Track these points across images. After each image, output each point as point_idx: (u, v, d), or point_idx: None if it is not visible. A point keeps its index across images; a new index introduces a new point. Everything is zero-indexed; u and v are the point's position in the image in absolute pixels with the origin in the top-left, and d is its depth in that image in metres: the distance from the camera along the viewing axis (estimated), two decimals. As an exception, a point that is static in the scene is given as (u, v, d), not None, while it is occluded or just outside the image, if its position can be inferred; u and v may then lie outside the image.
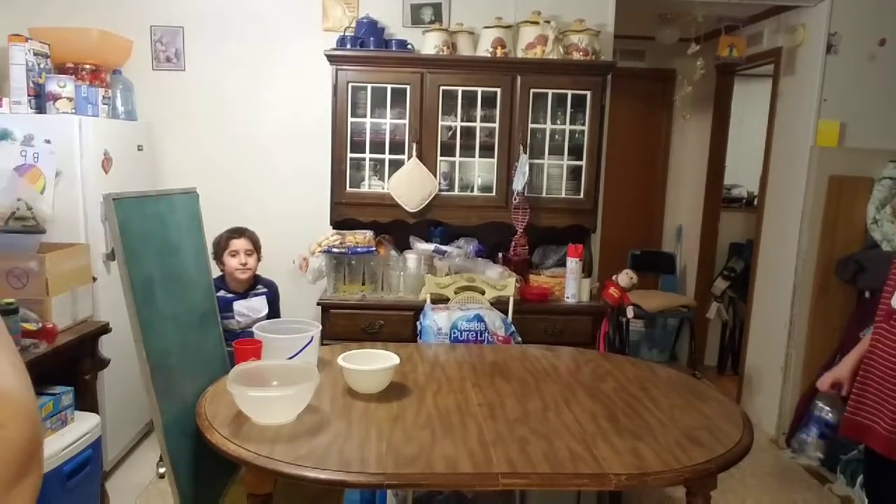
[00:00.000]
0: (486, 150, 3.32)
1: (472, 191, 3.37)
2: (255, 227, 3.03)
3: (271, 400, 1.84)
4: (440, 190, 3.30)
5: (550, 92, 3.27)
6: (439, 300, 3.09)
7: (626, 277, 3.36)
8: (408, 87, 3.23)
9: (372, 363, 2.11)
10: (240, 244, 2.88)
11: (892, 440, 1.95)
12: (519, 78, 3.24)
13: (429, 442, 1.75)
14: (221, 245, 2.87)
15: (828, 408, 2.29)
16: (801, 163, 3.58)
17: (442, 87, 3.24)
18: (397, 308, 3.17)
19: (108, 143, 3.00)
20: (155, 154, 3.52)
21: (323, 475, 1.58)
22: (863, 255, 3.34)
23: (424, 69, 3.22)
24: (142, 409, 3.11)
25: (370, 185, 3.35)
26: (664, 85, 4.92)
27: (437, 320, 2.90)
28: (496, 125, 3.28)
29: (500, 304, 3.09)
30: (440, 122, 3.26)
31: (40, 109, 2.87)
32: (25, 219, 2.72)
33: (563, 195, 3.37)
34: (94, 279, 2.82)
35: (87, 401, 2.57)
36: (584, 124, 3.30)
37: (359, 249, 3.21)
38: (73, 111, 2.89)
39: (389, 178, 3.28)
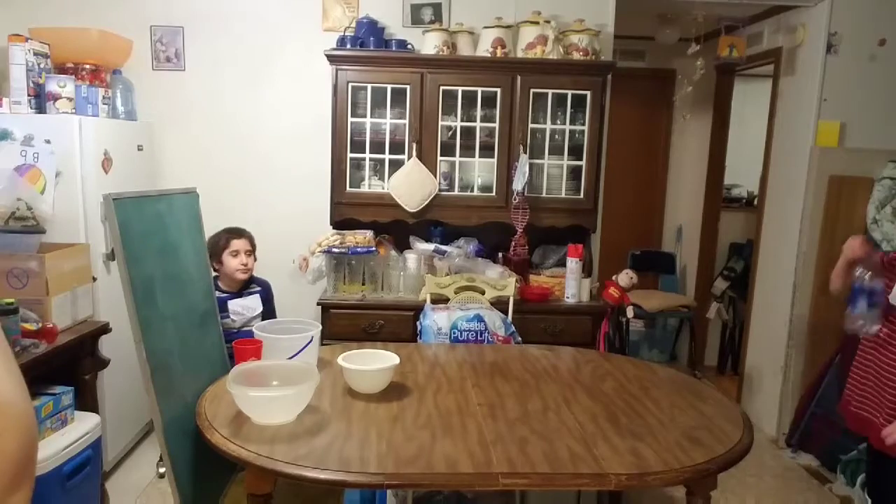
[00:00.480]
0: (486, 150, 3.32)
1: (472, 191, 3.37)
2: (255, 226, 3.04)
3: (271, 400, 1.84)
4: (440, 190, 3.30)
5: (550, 92, 3.27)
6: (439, 300, 3.09)
7: (626, 277, 3.36)
8: (408, 87, 3.23)
9: (372, 363, 2.11)
10: (241, 244, 2.87)
11: None
12: (519, 78, 3.24)
13: (429, 442, 1.75)
14: (221, 245, 2.85)
15: (868, 272, 2.03)
16: (801, 163, 3.58)
17: (442, 87, 3.24)
18: (397, 308, 3.17)
19: (108, 143, 3.00)
20: (155, 154, 3.52)
21: (323, 475, 1.58)
22: (863, 255, 3.33)
23: (424, 69, 3.23)
24: (142, 409, 3.11)
25: (370, 185, 3.35)
26: (664, 85, 4.91)
27: (437, 320, 2.89)
28: (496, 125, 3.28)
29: (500, 304, 3.09)
30: (440, 122, 3.26)
31: (40, 109, 2.87)
32: (25, 219, 2.72)
33: (563, 195, 3.37)
34: (94, 279, 2.81)
35: (87, 401, 2.57)
36: (584, 124, 3.30)
37: (359, 249, 3.21)
38: (73, 111, 2.88)
39: (389, 178, 3.28)
